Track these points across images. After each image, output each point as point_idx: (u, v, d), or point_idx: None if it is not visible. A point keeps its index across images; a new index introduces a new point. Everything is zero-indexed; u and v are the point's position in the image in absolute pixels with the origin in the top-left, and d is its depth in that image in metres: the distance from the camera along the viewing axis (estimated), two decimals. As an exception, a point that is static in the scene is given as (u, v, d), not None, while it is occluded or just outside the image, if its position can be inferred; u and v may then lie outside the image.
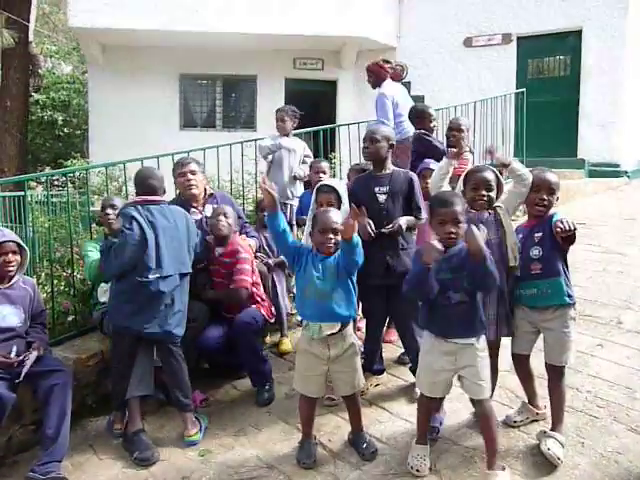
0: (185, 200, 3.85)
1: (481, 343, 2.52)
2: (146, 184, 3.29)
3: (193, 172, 3.84)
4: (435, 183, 3.11)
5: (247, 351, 3.43)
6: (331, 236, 2.73)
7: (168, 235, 3.18)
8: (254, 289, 3.60)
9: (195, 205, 3.85)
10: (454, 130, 4.45)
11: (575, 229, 2.54)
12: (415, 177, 3.40)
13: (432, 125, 4.60)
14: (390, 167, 3.37)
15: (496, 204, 2.80)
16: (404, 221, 3.20)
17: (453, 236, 2.46)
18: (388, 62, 5.29)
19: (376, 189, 3.28)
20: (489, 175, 2.75)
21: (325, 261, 2.75)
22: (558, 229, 2.54)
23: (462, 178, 2.86)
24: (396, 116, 5.11)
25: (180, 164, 3.90)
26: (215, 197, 3.95)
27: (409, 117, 4.79)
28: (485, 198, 2.73)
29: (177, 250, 3.20)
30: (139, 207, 3.18)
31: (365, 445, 2.78)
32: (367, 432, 2.86)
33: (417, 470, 2.54)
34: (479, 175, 2.75)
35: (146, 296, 3.08)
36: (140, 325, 3.08)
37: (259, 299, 3.62)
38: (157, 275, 3.08)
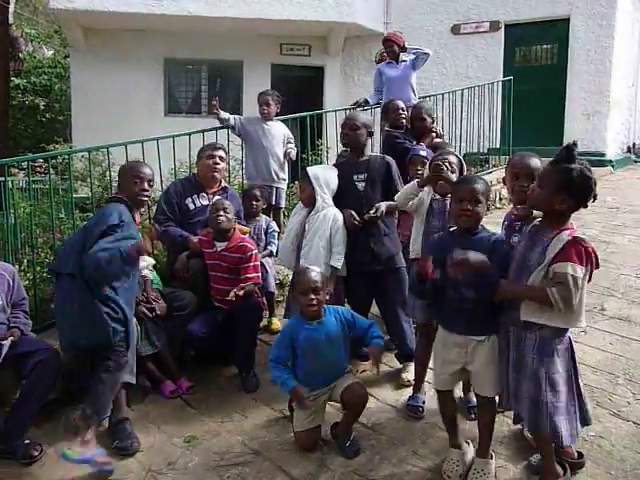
0: (198, 182, 3.93)
1: (491, 341, 2.37)
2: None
3: (222, 158, 3.95)
4: (399, 199, 3.07)
5: (247, 336, 3.42)
6: (312, 296, 2.65)
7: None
8: None
9: (207, 190, 3.90)
10: (418, 120, 4.43)
11: None
12: (392, 161, 3.40)
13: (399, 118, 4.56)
14: (367, 153, 3.38)
15: None
16: (384, 206, 3.22)
17: (468, 213, 2.33)
18: (401, 32, 5.78)
19: (354, 177, 3.29)
20: (452, 159, 2.89)
21: (327, 330, 2.71)
22: None
23: (428, 164, 2.98)
24: None
25: (212, 147, 4.00)
26: (227, 191, 4.01)
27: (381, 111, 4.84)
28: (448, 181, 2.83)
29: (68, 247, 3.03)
30: None
31: (349, 443, 2.68)
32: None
33: (448, 476, 2.42)
34: (442, 159, 2.87)
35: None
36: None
37: (256, 294, 3.61)
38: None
